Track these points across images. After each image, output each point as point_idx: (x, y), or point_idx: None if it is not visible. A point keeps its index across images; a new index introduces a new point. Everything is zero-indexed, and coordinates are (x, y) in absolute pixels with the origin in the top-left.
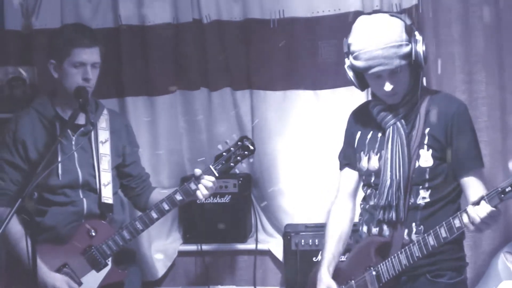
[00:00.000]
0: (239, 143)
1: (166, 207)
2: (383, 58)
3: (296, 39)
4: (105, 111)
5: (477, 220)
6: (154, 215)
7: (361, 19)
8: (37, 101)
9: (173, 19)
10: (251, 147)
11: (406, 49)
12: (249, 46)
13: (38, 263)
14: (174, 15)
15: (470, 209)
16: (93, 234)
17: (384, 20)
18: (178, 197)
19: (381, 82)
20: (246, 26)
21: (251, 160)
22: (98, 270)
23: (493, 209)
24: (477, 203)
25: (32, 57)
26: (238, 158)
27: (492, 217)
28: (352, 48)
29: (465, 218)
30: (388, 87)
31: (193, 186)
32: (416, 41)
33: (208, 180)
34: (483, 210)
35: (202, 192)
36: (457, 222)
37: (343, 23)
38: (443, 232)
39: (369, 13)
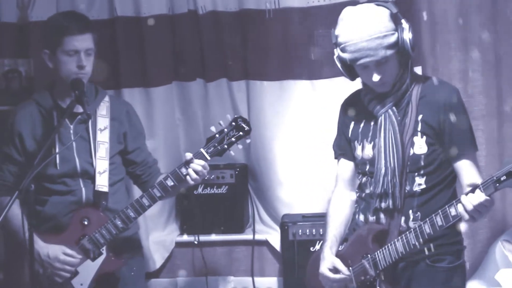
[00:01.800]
0: (233, 123)
1: (158, 193)
2: (368, 50)
3: (292, 29)
4: (106, 98)
5: (470, 207)
6: (146, 202)
7: (346, 10)
8: (36, 92)
9: (168, 10)
10: (246, 128)
11: (391, 39)
12: (245, 37)
13: (34, 238)
14: (169, 6)
15: (464, 198)
16: (86, 223)
17: (369, 10)
18: (169, 182)
19: (369, 73)
20: (242, 17)
21: (247, 141)
22: (93, 259)
23: (487, 198)
24: (471, 191)
25: (28, 49)
26: (233, 139)
27: (485, 206)
28: (339, 40)
29: (459, 207)
30: (375, 77)
31: (183, 170)
32: (402, 29)
33: (197, 164)
34: (476, 199)
35: (191, 176)
36: (452, 211)
37: (339, 12)
38: (439, 221)
39: (364, 3)
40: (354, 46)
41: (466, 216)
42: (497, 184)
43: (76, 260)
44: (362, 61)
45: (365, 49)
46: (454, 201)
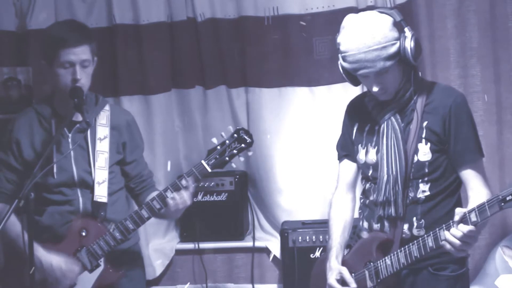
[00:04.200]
0: (235, 135)
1: (157, 205)
2: (366, 61)
3: (290, 36)
4: (106, 107)
5: (458, 239)
6: (145, 213)
7: (348, 18)
8: (36, 101)
9: (167, 17)
10: (248, 140)
11: (391, 50)
12: (244, 44)
13: (35, 246)
14: (168, 13)
15: (454, 230)
16: (84, 234)
17: (370, 19)
18: (169, 194)
19: (369, 82)
20: (241, 24)
21: (249, 153)
22: (91, 270)
23: (473, 228)
24: (458, 222)
25: (27, 57)
26: (234, 151)
27: (472, 237)
28: (340, 48)
29: (448, 235)
30: (375, 88)
31: (183, 182)
32: (405, 38)
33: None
34: (464, 230)
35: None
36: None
37: (337, 19)
38: (442, 235)
39: (363, 9)
40: (352, 57)
41: (455, 248)
42: (502, 204)
43: (76, 273)
44: (360, 72)
45: (363, 60)
46: (451, 221)
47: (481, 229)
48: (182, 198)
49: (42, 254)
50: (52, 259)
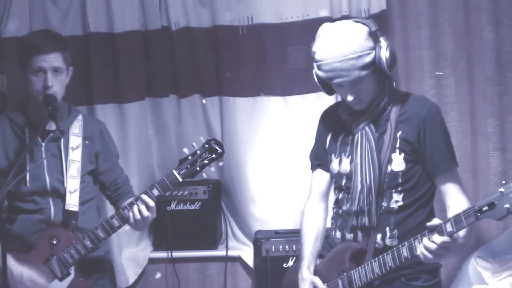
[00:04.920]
0: (206, 145)
1: (128, 213)
2: (341, 70)
3: (265, 46)
4: (79, 117)
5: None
6: (116, 222)
7: (323, 27)
8: (10, 108)
9: (141, 26)
10: (219, 150)
11: (366, 59)
12: (218, 53)
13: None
14: (142, 22)
15: (426, 241)
16: (55, 242)
17: (346, 28)
18: (140, 203)
19: (344, 91)
20: (215, 33)
21: (220, 163)
22: (61, 279)
23: (447, 239)
24: (431, 232)
25: (1, 64)
26: (205, 161)
27: (446, 249)
28: (315, 57)
29: (421, 247)
30: (350, 97)
31: (155, 191)
32: (380, 48)
33: (142, 207)
34: (438, 240)
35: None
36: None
37: (311, 29)
38: (417, 245)
39: (338, 19)
40: (328, 66)
41: (429, 258)
42: (479, 214)
43: (46, 286)
44: (335, 80)
45: (339, 69)
46: (426, 232)
47: (463, 243)
48: (142, 212)
49: (13, 264)
50: (22, 270)
